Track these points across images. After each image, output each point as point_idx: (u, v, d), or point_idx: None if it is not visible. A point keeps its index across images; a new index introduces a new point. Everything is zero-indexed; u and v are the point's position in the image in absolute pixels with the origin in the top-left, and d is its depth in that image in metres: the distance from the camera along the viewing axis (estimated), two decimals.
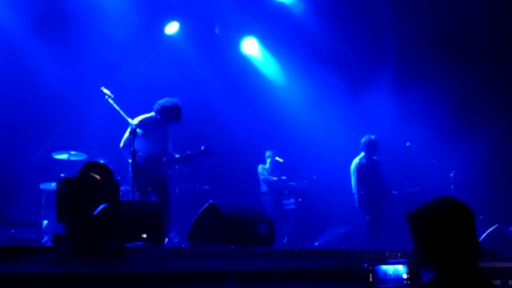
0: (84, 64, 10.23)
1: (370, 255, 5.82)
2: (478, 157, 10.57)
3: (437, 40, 11.56)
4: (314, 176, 11.49)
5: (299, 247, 6.07)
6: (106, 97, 7.63)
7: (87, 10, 10.13)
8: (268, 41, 12.22)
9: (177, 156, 8.42)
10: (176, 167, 9.35)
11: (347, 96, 11.55)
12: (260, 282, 5.11)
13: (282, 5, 11.77)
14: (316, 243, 10.45)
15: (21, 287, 4.15)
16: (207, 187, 10.78)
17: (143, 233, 5.59)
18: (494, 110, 11.40)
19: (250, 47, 12.28)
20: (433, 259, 2.36)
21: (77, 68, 10.25)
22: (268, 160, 11.46)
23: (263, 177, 11.38)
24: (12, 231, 8.73)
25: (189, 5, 11.33)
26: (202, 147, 8.42)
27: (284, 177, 11.33)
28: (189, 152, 8.44)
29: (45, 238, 8.66)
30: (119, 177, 9.32)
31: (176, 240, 8.97)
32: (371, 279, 4.71)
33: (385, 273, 4.90)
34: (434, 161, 10.27)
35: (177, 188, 10.01)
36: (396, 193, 10.09)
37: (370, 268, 4.73)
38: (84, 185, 5.09)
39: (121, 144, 8.00)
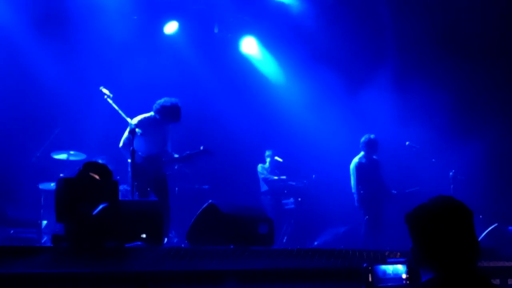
0: (83, 64, 10.22)
1: (369, 255, 5.82)
2: (477, 156, 10.57)
3: (437, 40, 11.56)
4: (313, 176, 11.49)
5: (298, 246, 6.08)
6: (105, 96, 7.62)
7: (86, 10, 10.13)
8: (268, 40, 12.21)
9: (176, 156, 8.42)
10: (176, 167, 9.34)
11: (346, 96, 11.54)
12: (260, 282, 5.11)
13: (281, 4, 11.77)
14: (316, 243, 10.45)
15: (21, 287, 4.15)
16: (206, 186, 10.78)
17: (142, 233, 5.60)
18: (494, 109, 11.40)
19: (249, 46, 12.27)
20: (432, 259, 2.36)
21: (76, 68, 10.24)
22: (268, 160, 11.46)
23: (262, 176, 11.38)
24: (12, 231, 8.73)
25: (188, 4, 11.32)
26: (201, 147, 8.43)
27: (283, 177, 11.33)
28: (188, 152, 8.44)
29: (45, 238, 8.66)
30: (118, 177, 9.36)
31: (175, 240, 8.97)
32: (370, 279, 4.71)
33: (384, 272, 4.90)
34: (433, 160, 10.27)
35: (176, 188, 10.00)
36: (395, 192, 10.09)
37: (370, 268, 4.73)
38: (83, 185, 5.09)
39: (121, 144, 7.99)
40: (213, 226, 6.18)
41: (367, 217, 9.67)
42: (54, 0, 10.05)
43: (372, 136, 9.90)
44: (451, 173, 9.86)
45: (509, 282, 6.20)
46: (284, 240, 10.61)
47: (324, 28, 11.60)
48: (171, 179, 8.75)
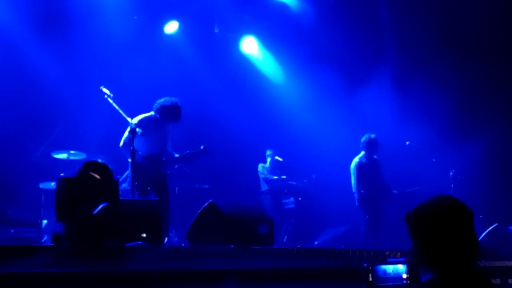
0: (84, 63, 10.22)
1: (369, 255, 5.82)
2: (477, 156, 10.56)
3: (437, 40, 11.55)
4: (313, 175, 11.50)
5: (298, 246, 6.07)
6: (106, 96, 7.63)
7: (87, 10, 10.13)
8: (268, 40, 12.21)
9: (177, 155, 8.42)
10: (176, 167, 9.34)
11: (347, 96, 11.55)
12: (260, 282, 5.11)
13: (281, 4, 11.77)
14: (316, 242, 10.45)
15: (21, 287, 4.15)
16: (206, 186, 10.78)
17: (142, 233, 5.60)
18: (494, 109, 11.40)
19: (250, 46, 12.27)
20: (432, 259, 2.35)
21: (77, 68, 10.24)
22: (269, 159, 11.46)
23: (263, 176, 11.38)
24: (12, 230, 8.73)
25: (189, 4, 11.32)
26: (202, 147, 8.43)
27: (284, 177, 11.34)
28: (188, 151, 8.45)
29: (45, 238, 8.66)
30: (118, 177, 9.38)
31: (175, 240, 8.97)
32: (370, 279, 4.71)
33: (384, 272, 4.90)
34: (433, 160, 10.27)
35: (176, 188, 10.00)
36: (396, 192, 10.09)
37: (370, 268, 4.73)
38: (83, 185, 5.10)
39: (121, 144, 8.00)
40: (213, 225, 6.19)
41: (367, 216, 9.67)
42: (54, 0, 10.05)
43: (372, 135, 9.90)
44: (451, 173, 9.86)
45: (509, 282, 6.20)
46: (284, 240, 10.61)
47: (324, 28, 11.60)
48: (172, 178, 8.75)
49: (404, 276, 4.93)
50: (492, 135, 10.84)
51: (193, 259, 4.98)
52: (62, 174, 8.78)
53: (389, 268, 4.94)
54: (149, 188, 7.96)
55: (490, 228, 8.36)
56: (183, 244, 7.10)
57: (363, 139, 9.92)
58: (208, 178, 10.88)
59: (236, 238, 5.94)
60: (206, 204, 6.39)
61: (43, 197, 9.13)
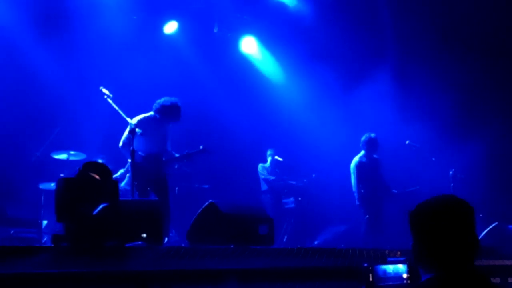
0: (84, 63, 10.23)
1: (369, 254, 5.81)
2: (477, 155, 10.56)
3: (438, 38, 11.55)
4: (313, 175, 11.50)
5: (298, 245, 6.07)
6: (105, 96, 7.64)
7: (86, 10, 10.13)
8: (267, 40, 12.21)
9: (177, 155, 8.42)
10: (176, 167, 9.35)
11: (346, 95, 11.55)
12: (260, 281, 5.10)
13: (281, 3, 11.76)
14: (316, 242, 10.45)
15: (21, 287, 4.15)
16: (206, 186, 10.78)
17: (142, 233, 5.60)
18: (494, 108, 11.39)
19: (249, 46, 12.27)
20: (432, 258, 2.35)
21: (77, 68, 10.25)
22: (269, 159, 11.46)
23: (262, 176, 11.39)
24: (12, 231, 8.73)
25: (188, 4, 11.32)
26: (201, 146, 8.44)
27: (285, 177, 11.36)
28: (187, 151, 8.45)
29: (45, 238, 8.66)
30: (118, 177, 9.39)
31: (175, 239, 8.97)
32: (371, 279, 4.71)
33: (385, 271, 4.90)
34: (433, 159, 10.27)
35: (176, 188, 10.00)
36: (396, 191, 10.09)
37: (370, 267, 4.73)
38: (83, 185, 5.10)
39: (120, 144, 8.00)
40: (213, 225, 6.18)
41: (367, 216, 9.67)
42: (54, 0, 10.05)
43: (372, 135, 9.90)
44: (451, 172, 9.86)
45: (509, 281, 6.19)
46: (284, 239, 10.61)
47: (324, 27, 11.60)
48: (171, 178, 8.75)
49: (404, 275, 4.93)
50: (492, 134, 10.84)
51: (193, 259, 4.98)
52: (62, 175, 8.79)
53: (389, 268, 4.94)
54: (149, 188, 7.96)
55: (490, 227, 8.36)
56: (183, 244, 7.10)
57: (363, 138, 9.92)
58: (208, 178, 10.88)
59: (236, 238, 5.94)
60: (206, 204, 6.39)
61: (43, 197, 9.14)
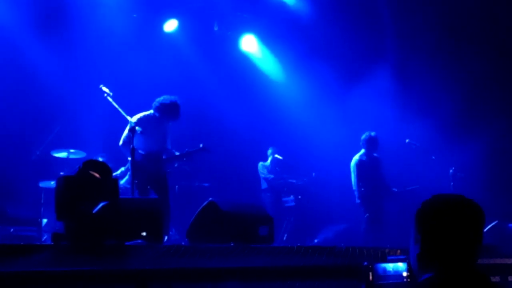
0: (83, 62, 10.23)
1: (369, 252, 5.81)
2: (477, 153, 10.56)
3: (438, 36, 11.53)
4: (313, 174, 11.50)
5: (298, 244, 6.07)
6: (105, 95, 7.64)
7: (86, 8, 10.13)
8: (267, 38, 12.21)
9: (177, 153, 8.42)
10: (176, 165, 9.35)
11: (347, 93, 11.54)
12: (260, 280, 5.10)
13: (281, 2, 11.76)
14: (316, 240, 10.46)
15: (21, 286, 4.15)
16: (206, 184, 10.78)
17: (142, 231, 5.59)
18: (494, 107, 11.38)
19: (249, 44, 12.26)
20: (436, 257, 2.34)
21: (76, 66, 10.25)
22: (270, 158, 11.46)
23: (262, 175, 11.39)
24: (12, 229, 8.74)
25: (188, 2, 11.32)
26: (201, 145, 8.44)
27: (285, 175, 11.36)
28: (187, 149, 8.45)
29: (45, 237, 8.67)
30: (118, 175, 9.39)
31: (175, 238, 8.97)
32: (371, 277, 4.71)
33: (384, 270, 4.90)
34: (433, 158, 10.27)
35: (176, 186, 10.01)
36: (396, 190, 10.09)
37: (370, 266, 4.73)
38: (83, 183, 5.10)
39: (120, 142, 8.00)
40: (213, 224, 6.18)
41: (367, 214, 9.67)
42: None
43: (372, 133, 9.90)
44: (451, 171, 9.86)
45: (509, 279, 6.19)
46: (284, 238, 10.62)
47: (324, 25, 11.60)
48: (171, 177, 8.76)
49: (404, 274, 4.93)
50: (492, 133, 10.83)
51: (193, 257, 4.98)
52: (62, 173, 8.79)
53: (389, 266, 4.94)
54: (149, 186, 7.97)
55: (490, 225, 8.36)
56: (183, 242, 7.10)
57: (363, 136, 9.92)
58: (208, 176, 10.89)
59: (236, 236, 5.95)
60: (206, 202, 6.39)
61: (43, 195, 9.14)
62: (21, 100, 9.71)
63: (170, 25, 11.40)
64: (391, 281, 4.91)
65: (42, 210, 9.06)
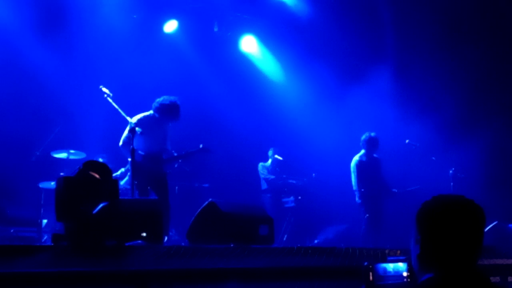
0: (83, 63, 10.23)
1: (369, 253, 5.81)
2: (477, 154, 10.56)
3: (438, 36, 11.53)
4: (313, 174, 11.50)
5: (298, 245, 6.07)
6: (105, 95, 7.64)
7: (86, 9, 10.13)
8: (267, 39, 12.21)
9: (176, 154, 8.42)
10: (176, 166, 9.35)
11: (347, 94, 11.54)
12: (260, 280, 5.10)
13: (280, 2, 11.77)
14: (316, 241, 10.46)
15: (21, 287, 4.15)
16: (206, 185, 10.78)
17: (142, 232, 5.59)
18: (494, 107, 11.39)
19: (249, 45, 12.27)
20: (437, 257, 2.33)
21: (76, 67, 10.25)
22: (271, 158, 11.46)
23: (262, 175, 11.39)
24: (12, 230, 8.74)
25: (188, 3, 11.33)
26: (201, 145, 8.44)
27: (285, 176, 11.36)
28: (187, 150, 8.45)
29: (45, 237, 8.67)
30: (118, 176, 9.39)
31: (175, 239, 8.97)
32: (371, 278, 4.70)
33: (385, 270, 4.89)
34: (433, 158, 10.27)
35: (176, 187, 10.01)
36: (396, 191, 10.08)
37: (370, 266, 4.72)
38: (83, 184, 5.09)
39: (120, 143, 8.00)
40: (213, 224, 6.18)
41: (367, 215, 9.67)
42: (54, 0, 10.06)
43: (372, 134, 9.90)
44: (451, 171, 9.87)
45: (509, 280, 6.19)
46: (284, 239, 10.61)
47: (324, 25, 11.60)
48: (171, 177, 8.76)
49: (405, 274, 4.92)
50: (492, 134, 10.84)
51: (192, 258, 4.98)
52: (62, 174, 8.79)
53: (390, 266, 4.93)
54: (149, 187, 7.97)
55: (490, 226, 8.36)
56: (183, 243, 7.10)
57: (363, 137, 9.92)
58: (208, 177, 10.89)
59: (235, 237, 5.94)
60: (206, 203, 6.39)
61: (43, 196, 9.14)
62: (21, 100, 9.71)
63: (170, 26, 11.41)
64: (391, 282, 4.90)
65: (42, 211, 9.05)
